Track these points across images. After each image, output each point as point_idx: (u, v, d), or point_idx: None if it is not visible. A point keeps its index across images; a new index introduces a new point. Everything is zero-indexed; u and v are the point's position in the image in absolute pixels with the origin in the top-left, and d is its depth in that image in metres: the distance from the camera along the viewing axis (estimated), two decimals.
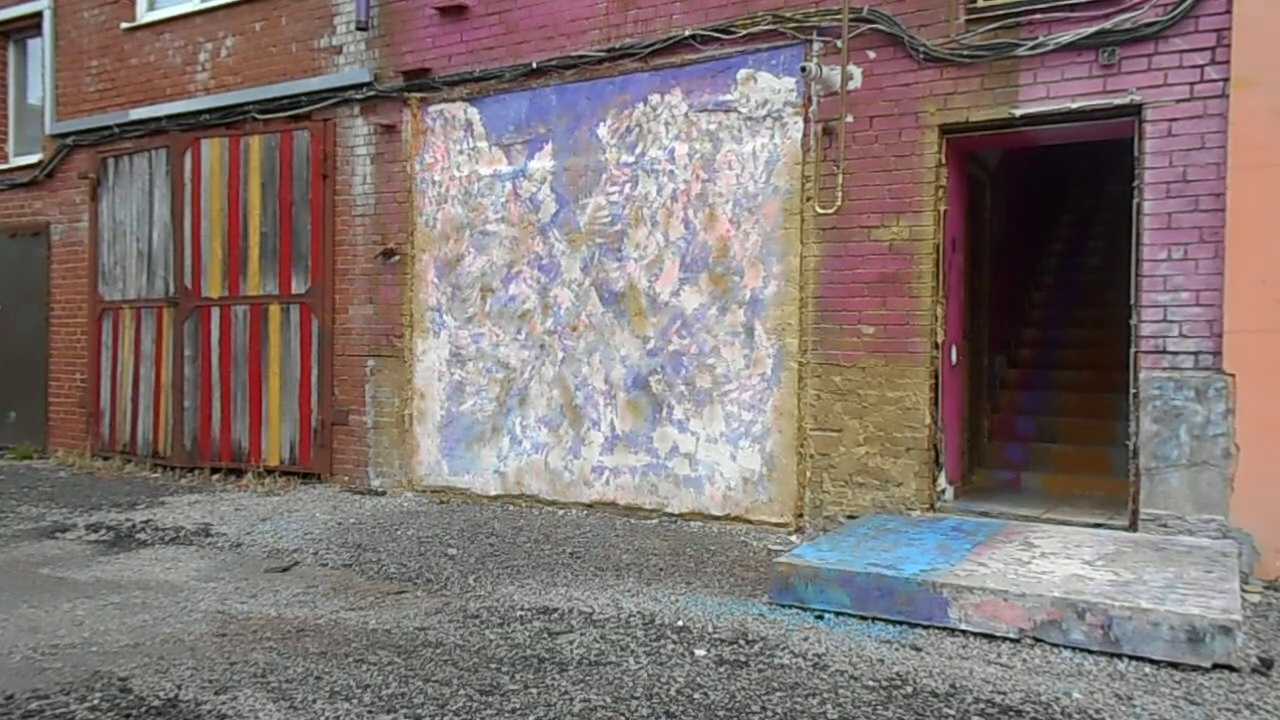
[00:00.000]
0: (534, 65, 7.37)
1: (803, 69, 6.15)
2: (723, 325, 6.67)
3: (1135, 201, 5.54)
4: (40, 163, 10.49)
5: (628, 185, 7.04)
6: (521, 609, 4.71)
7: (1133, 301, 5.56)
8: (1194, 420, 5.29)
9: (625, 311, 7.06)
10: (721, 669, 3.84)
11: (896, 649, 4.10)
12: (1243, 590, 4.65)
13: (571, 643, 4.17)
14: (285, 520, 6.93)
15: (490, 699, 3.51)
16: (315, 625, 4.49)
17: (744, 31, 6.55)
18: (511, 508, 7.39)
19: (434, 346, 7.94)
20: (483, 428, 7.68)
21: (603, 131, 7.14)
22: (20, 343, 10.72)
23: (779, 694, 3.56)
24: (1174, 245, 5.38)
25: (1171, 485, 5.34)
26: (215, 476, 8.94)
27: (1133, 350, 5.55)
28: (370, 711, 3.40)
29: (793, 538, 6.22)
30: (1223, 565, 4.63)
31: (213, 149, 9.02)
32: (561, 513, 7.15)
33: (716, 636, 4.25)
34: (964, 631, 4.27)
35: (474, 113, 7.71)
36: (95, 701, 3.50)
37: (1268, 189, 5.10)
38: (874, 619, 4.47)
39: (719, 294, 6.69)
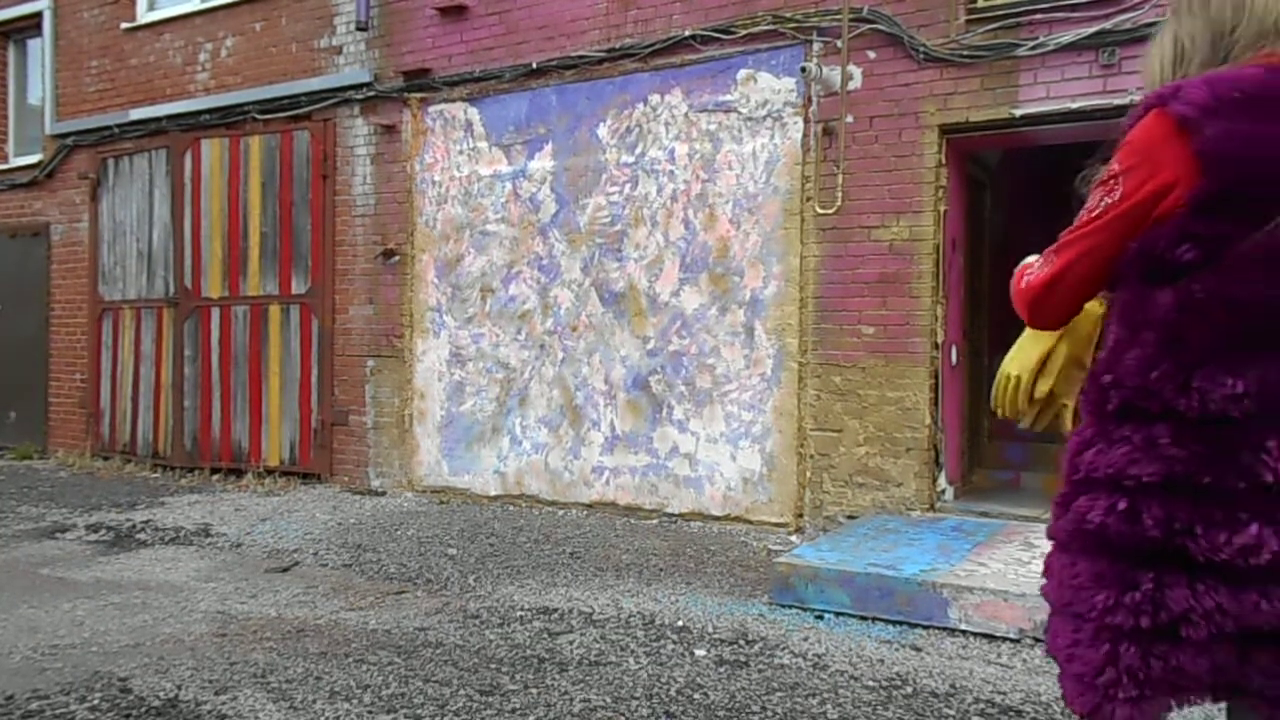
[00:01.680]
0: (534, 65, 7.37)
1: (803, 69, 6.16)
2: (723, 325, 6.67)
3: None
4: (40, 163, 10.49)
5: (628, 185, 7.04)
6: (521, 609, 4.71)
7: None
8: None
9: (625, 312, 7.06)
10: (721, 669, 3.84)
11: (896, 649, 4.10)
12: None
13: (571, 643, 4.17)
14: (285, 520, 6.93)
15: (490, 699, 3.51)
16: (315, 625, 4.49)
17: (744, 32, 6.55)
18: (511, 508, 7.39)
19: (434, 346, 7.94)
20: (483, 428, 7.68)
21: (603, 131, 7.14)
22: (20, 343, 10.72)
23: (779, 694, 3.56)
24: None
25: None
26: (215, 476, 8.94)
27: None
28: (370, 712, 3.40)
29: (793, 538, 6.22)
30: None
31: (213, 149, 9.02)
32: (561, 513, 7.15)
33: (716, 636, 4.25)
34: (964, 631, 4.27)
35: (474, 113, 7.71)
36: (95, 701, 3.50)
37: None
38: (874, 619, 4.47)
39: (719, 294, 6.69)
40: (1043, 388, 1.83)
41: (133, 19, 9.80)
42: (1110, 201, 1.50)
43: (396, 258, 8.08)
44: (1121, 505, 1.49)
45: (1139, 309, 1.50)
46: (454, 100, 7.80)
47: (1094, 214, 1.54)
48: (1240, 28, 1.49)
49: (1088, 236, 1.53)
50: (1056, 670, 1.64)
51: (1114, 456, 1.51)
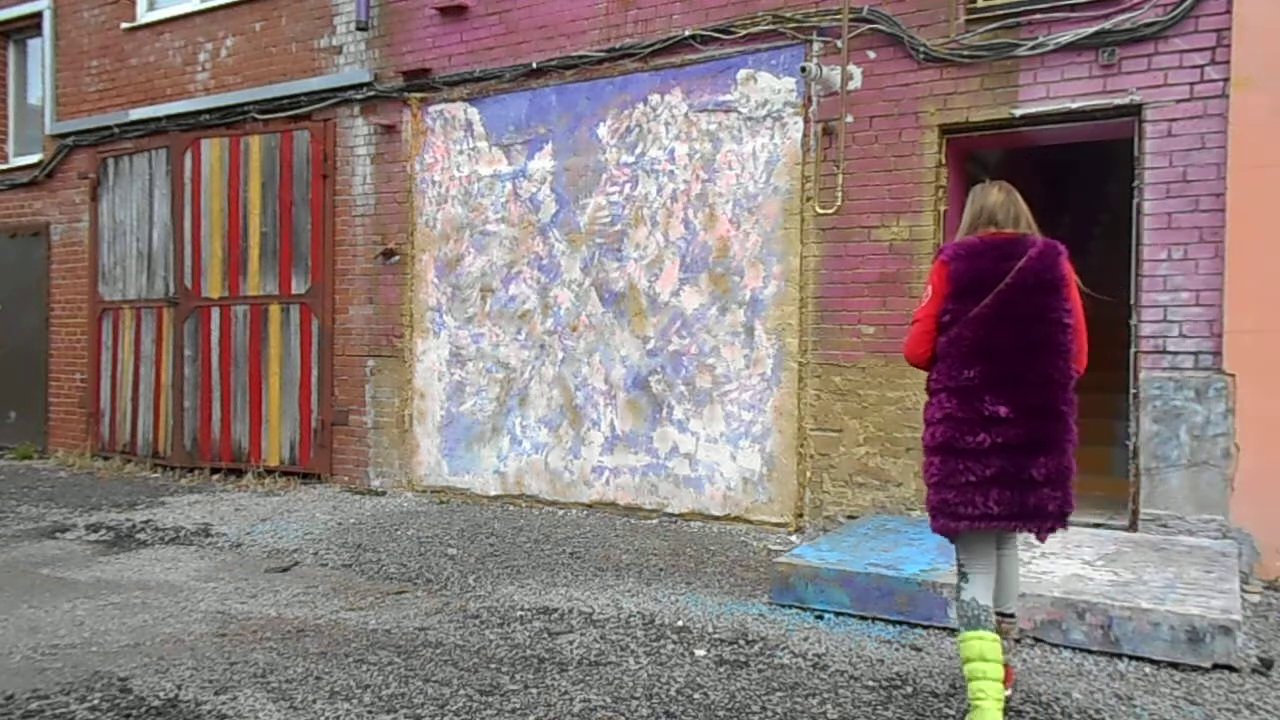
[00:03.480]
0: (534, 65, 7.37)
1: (803, 69, 6.16)
2: (723, 325, 6.67)
3: (1135, 201, 5.54)
4: (40, 163, 10.49)
5: (628, 185, 7.04)
6: (521, 609, 4.71)
7: (1133, 301, 5.56)
8: (1194, 420, 5.29)
9: (625, 311, 7.06)
10: (721, 669, 3.84)
11: (896, 649, 4.10)
12: (1243, 590, 4.65)
13: (571, 643, 4.17)
14: (285, 520, 6.93)
15: (490, 699, 3.51)
16: (315, 625, 4.49)
17: (744, 31, 6.55)
18: (511, 508, 7.39)
19: (434, 346, 7.94)
20: (483, 428, 7.68)
21: (603, 131, 7.14)
22: (20, 343, 10.72)
23: (779, 694, 3.56)
24: (1174, 245, 5.38)
25: (1171, 485, 5.34)
26: (215, 476, 8.94)
27: (1133, 350, 5.55)
28: (370, 711, 3.40)
29: (793, 538, 6.22)
30: (1223, 565, 4.63)
31: (213, 149, 9.02)
32: (561, 513, 7.15)
33: (716, 636, 4.25)
34: None
35: (474, 113, 7.71)
36: (95, 701, 3.50)
37: (1268, 189, 5.10)
38: (874, 619, 4.47)
39: (719, 294, 6.69)
40: None
41: (133, 19, 9.80)
42: (929, 295, 3.34)
43: (396, 258, 8.08)
44: (936, 431, 3.27)
45: (936, 347, 3.33)
46: (454, 100, 7.81)
47: (924, 302, 3.37)
48: (980, 218, 3.39)
49: (924, 311, 3.36)
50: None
51: (932, 410, 3.31)
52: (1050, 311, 3.24)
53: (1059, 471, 3.21)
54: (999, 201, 3.44)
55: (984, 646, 3.17)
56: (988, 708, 3.09)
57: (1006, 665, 3.31)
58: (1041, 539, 3.31)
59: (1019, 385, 3.20)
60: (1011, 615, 3.51)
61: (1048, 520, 3.24)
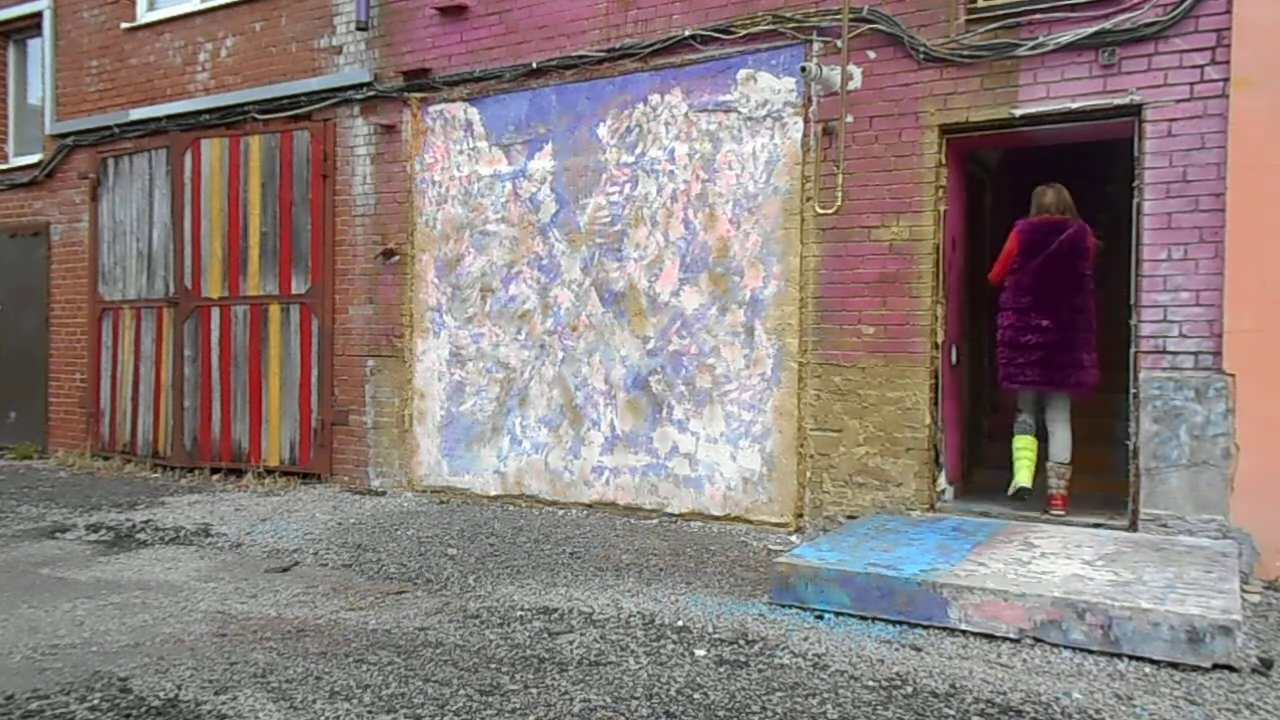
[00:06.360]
0: (534, 65, 7.37)
1: (803, 69, 6.15)
2: (723, 325, 6.67)
3: (1135, 201, 5.54)
4: (40, 163, 10.49)
5: (628, 185, 7.04)
6: (521, 609, 4.71)
7: (1133, 301, 5.56)
8: (1194, 420, 5.29)
9: (625, 311, 7.06)
10: (721, 669, 3.84)
11: (896, 649, 4.10)
12: (1243, 590, 4.66)
13: (571, 643, 4.17)
14: (285, 520, 6.93)
15: (490, 699, 3.51)
16: (315, 625, 4.49)
17: (744, 31, 6.55)
18: (511, 508, 7.39)
19: (434, 346, 7.94)
20: (483, 428, 7.68)
21: (603, 131, 7.14)
22: (20, 343, 10.72)
23: (779, 694, 3.56)
24: (1174, 245, 5.38)
25: (1171, 485, 5.34)
26: (215, 476, 8.94)
27: (1133, 350, 5.55)
28: (370, 711, 3.40)
29: (793, 538, 6.22)
30: (1223, 565, 4.63)
31: (213, 149, 9.02)
32: (561, 513, 7.15)
33: (716, 636, 4.25)
34: (964, 632, 4.26)
35: (474, 113, 7.71)
36: (95, 701, 3.50)
37: (1268, 189, 5.10)
38: (874, 619, 4.47)
39: (719, 294, 6.69)
40: None
41: (133, 19, 9.80)
42: (1007, 248, 6.08)
43: (396, 258, 8.08)
44: (1005, 333, 6.05)
45: (1008, 281, 6.12)
46: (454, 100, 7.80)
47: (1005, 251, 6.11)
48: (1040, 209, 6.04)
49: (1004, 255, 6.13)
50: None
51: (1002, 319, 6.09)
52: (1077, 267, 5.81)
53: (1073, 360, 5.77)
54: (1051, 199, 5.97)
55: (1023, 442, 6.10)
56: (1023, 473, 6.07)
57: (1057, 494, 5.93)
58: (1068, 391, 5.92)
59: (1055, 309, 5.78)
60: (1066, 462, 5.94)
61: (1065, 386, 5.83)
